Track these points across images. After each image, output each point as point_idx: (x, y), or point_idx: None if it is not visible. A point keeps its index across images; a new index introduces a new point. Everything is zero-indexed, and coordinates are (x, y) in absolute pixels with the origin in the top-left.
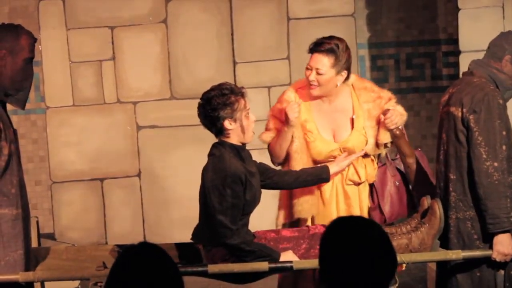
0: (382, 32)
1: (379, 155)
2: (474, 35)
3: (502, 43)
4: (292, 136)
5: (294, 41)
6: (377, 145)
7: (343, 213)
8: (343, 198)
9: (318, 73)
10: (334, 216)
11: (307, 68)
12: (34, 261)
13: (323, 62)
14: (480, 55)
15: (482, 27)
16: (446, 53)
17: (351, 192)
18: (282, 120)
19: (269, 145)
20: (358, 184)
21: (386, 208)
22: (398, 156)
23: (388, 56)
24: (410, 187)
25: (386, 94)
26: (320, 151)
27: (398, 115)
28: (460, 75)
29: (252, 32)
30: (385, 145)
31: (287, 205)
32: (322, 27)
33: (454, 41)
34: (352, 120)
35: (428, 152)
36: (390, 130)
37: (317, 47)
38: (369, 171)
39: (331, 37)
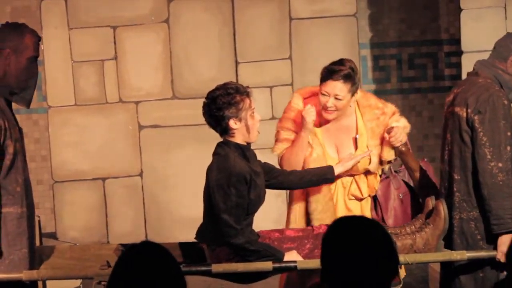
0: (384, 32)
1: (382, 169)
2: (476, 36)
3: (508, 44)
4: (310, 145)
5: (296, 41)
6: (380, 162)
7: None
8: (344, 212)
9: (336, 99)
10: None
11: (322, 94)
12: (38, 259)
13: (342, 88)
14: (482, 55)
15: (484, 27)
16: (448, 54)
17: (353, 207)
18: (293, 129)
19: (282, 158)
20: (361, 199)
21: (390, 221)
22: (401, 167)
23: (390, 56)
24: (420, 200)
25: (389, 109)
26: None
27: (402, 132)
28: (463, 75)
29: (254, 32)
30: (389, 162)
31: (301, 205)
32: (324, 27)
33: (456, 41)
34: (355, 140)
35: (430, 152)
36: (396, 148)
37: (334, 74)
38: (370, 183)
39: (342, 62)
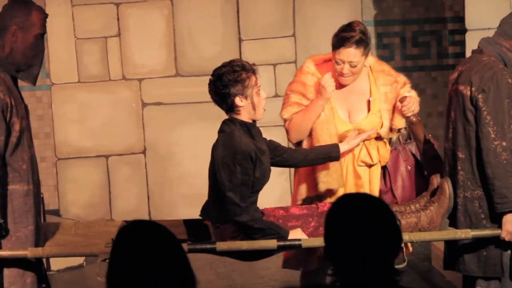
0: (388, 9)
1: (390, 139)
2: (481, 13)
3: None
4: None
5: (300, 18)
6: (391, 129)
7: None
8: (353, 178)
9: (351, 66)
10: None
11: (337, 62)
12: (42, 236)
13: (355, 54)
14: (486, 33)
15: (489, 5)
16: (452, 31)
17: (362, 173)
18: (303, 92)
19: (290, 122)
20: (370, 166)
21: (398, 192)
22: (410, 140)
23: (394, 34)
24: (425, 172)
25: (401, 78)
26: (336, 133)
27: (415, 102)
28: (467, 53)
29: (257, 9)
30: (399, 130)
31: (308, 179)
32: (327, 4)
33: (460, 19)
34: (369, 103)
35: (433, 129)
36: (407, 117)
37: (345, 42)
38: (381, 153)
39: (352, 27)
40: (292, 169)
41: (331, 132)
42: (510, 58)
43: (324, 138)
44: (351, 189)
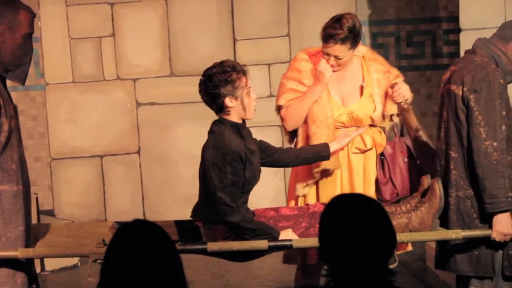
0: (383, 9)
1: (383, 128)
2: (475, 13)
3: None
4: None
5: (295, 18)
6: (383, 116)
7: (346, 180)
8: (346, 165)
9: (337, 59)
10: (335, 183)
11: (325, 54)
12: (33, 237)
13: (341, 50)
14: (481, 33)
15: (483, 5)
16: (446, 31)
17: (356, 160)
18: (299, 79)
19: (287, 108)
20: (364, 151)
21: (398, 182)
22: (403, 136)
23: (389, 33)
24: (418, 162)
25: (394, 71)
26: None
27: (405, 88)
28: (461, 53)
29: (252, 9)
30: (391, 117)
31: (305, 171)
32: (323, 4)
33: (455, 19)
34: (361, 88)
35: (428, 129)
36: (398, 104)
37: (331, 39)
38: (377, 139)
39: (340, 23)
40: (287, 170)
41: (327, 114)
42: (503, 62)
43: (321, 119)
44: (345, 177)
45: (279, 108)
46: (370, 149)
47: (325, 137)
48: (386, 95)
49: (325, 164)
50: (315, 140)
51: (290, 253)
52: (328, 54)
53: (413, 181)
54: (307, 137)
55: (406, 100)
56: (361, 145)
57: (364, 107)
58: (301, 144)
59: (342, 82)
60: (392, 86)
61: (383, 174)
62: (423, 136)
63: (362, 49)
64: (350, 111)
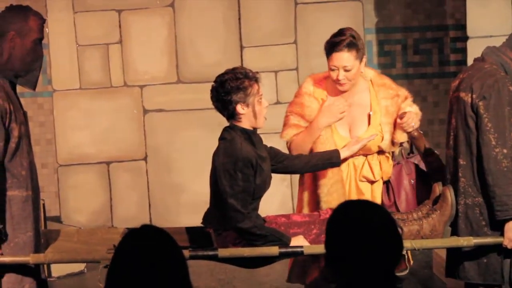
0: (390, 17)
1: (393, 152)
2: (482, 21)
3: None
4: None
5: (302, 26)
6: (392, 143)
7: None
8: (355, 194)
9: (345, 70)
10: None
11: (331, 69)
12: (44, 243)
13: (348, 58)
14: (488, 41)
15: (490, 12)
16: (453, 39)
17: (364, 189)
18: (302, 114)
19: (291, 143)
20: (372, 182)
21: (402, 206)
22: (413, 154)
23: (396, 41)
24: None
25: (403, 92)
26: (336, 146)
27: (414, 117)
28: (468, 61)
29: (259, 16)
30: (401, 144)
31: (310, 197)
32: (329, 12)
33: (462, 26)
34: (369, 116)
35: (435, 137)
36: (408, 133)
37: (336, 47)
38: (384, 168)
39: (341, 32)
40: (294, 176)
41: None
42: None
43: (327, 183)
44: None
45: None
46: (377, 180)
47: (329, 176)
48: (396, 124)
49: (330, 203)
50: (321, 176)
51: (293, 272)
52: (335, 68)
53: (422, 201)
54: (312, 174)
55: (416, 128)
56: (369, 174)
57: None
58: (308, 179)
59: (349, 109)
60: (401, 117)
61: (388, 197)
62: (437, 161)
63: (370, 72)
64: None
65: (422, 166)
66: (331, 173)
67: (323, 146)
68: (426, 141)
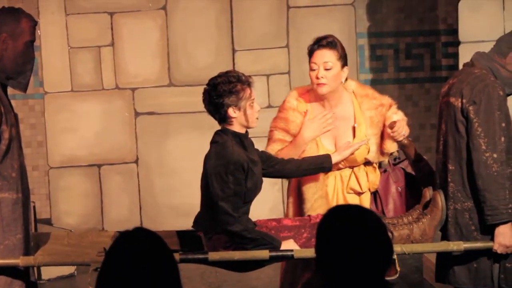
0: (382, 21)
1: (381, 161)
2: (474, 26)
3: (510, 39)
4: None
5: (294, 30)
6: (382, 153)
7: None
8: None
9: (325, 68)
10: None
11: (312, 69)
12: (34, 246)
13: (330, 55)
14: (480, 46)
15: (482, 18)
16: (445, 44)
17: (352, 201)
18: (286, 129)
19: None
20: (360, 194)
21: (390, 214)
22: (400, 159)
23: (388, 45)
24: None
25: (386, 101)
26: None
27: (404, 125)
28: (460, 66)
29: (251, 19)
30: (391, 154)
31: (296, 212)
32: (322, 15)
33: (454, 31)
34: (354, 129)
35: (426, 142)
36: (399, 141)
37: (318, 43)
38: (371, 179)
39: (323, 36)
40: (285, 180)
41: (317, 184)
42: (502, 75)
43: (312, 190)
44: None
45: None
46: (364, 192)
47: (312, 191)
48: (385, 133)
49: (309, 211)
50: (305, 191)
51: (287, 280)
52: (316, 66)
53: (410, 207)
54: (298, 187)
55: (406, 136)
56: (356, 186)
57: (357, 149)
58: (293, 192)
59: (334, 123)
60: (391, 126)
61: (376, 206)
62: (426, 166)
63: (352, 84)
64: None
65: (410, 169)
66: (315, 187)
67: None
68: (414, 148)
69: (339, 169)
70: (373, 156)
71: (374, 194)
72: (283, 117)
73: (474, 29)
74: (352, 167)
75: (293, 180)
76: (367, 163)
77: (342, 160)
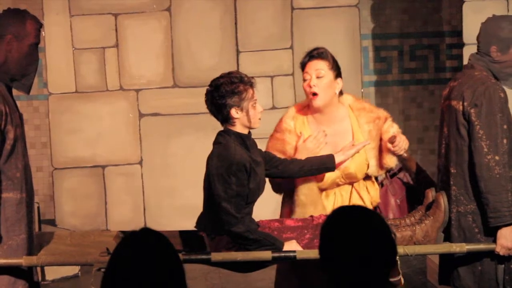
0: (386, 23)
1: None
2: (478, 28)
3: (484, 35)
4: None
5: (298, 31)
6: (381, 167)
7: None
8: None
9: (318, 76)
10: None
11: (304, 79)
12: (37, 245)
13: (322, 65)
14: None
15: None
16: (449, 45)
17: None
18: (282, 150)
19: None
20: None
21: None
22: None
23: (392, 47)
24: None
25: (382, 113)
26: (324, 180)
27: (404, 139)
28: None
29: (255, 21)
30: (391, 169)
31: (289, 206)
32: (326, 17)
33: (458, 33)
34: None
35: (430, 143)
36: (399, 156)
37: (310, 54)
38: (371, 193)
39: (316, 47)
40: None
41: (310, 186)
42: (496, 69)
43: (304, 192)
44: None
45: None
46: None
47: (311, 208)
48: (384, 148)
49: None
50: (299, 207)
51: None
52: (308, 76)
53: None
54: (293, 203)
55: (406, 149)
56: (360, 202)
57: (357, 164)
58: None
59: (332, 139)
60: (391, 141)
61: None
62: (427, 178)
63: (348, 98)
64: (344, 172)
65: (407, 179)
66: (314, 208)
67: (304, 179)
68: (415, 161)
69: (338, 185)
70: (373, 170)
71: (374, 208)
72: (280, 138)
73: (478, 30)
74: (351, 183)
75: (285, 205)
76: (366, 178)
77: (346, 160)
